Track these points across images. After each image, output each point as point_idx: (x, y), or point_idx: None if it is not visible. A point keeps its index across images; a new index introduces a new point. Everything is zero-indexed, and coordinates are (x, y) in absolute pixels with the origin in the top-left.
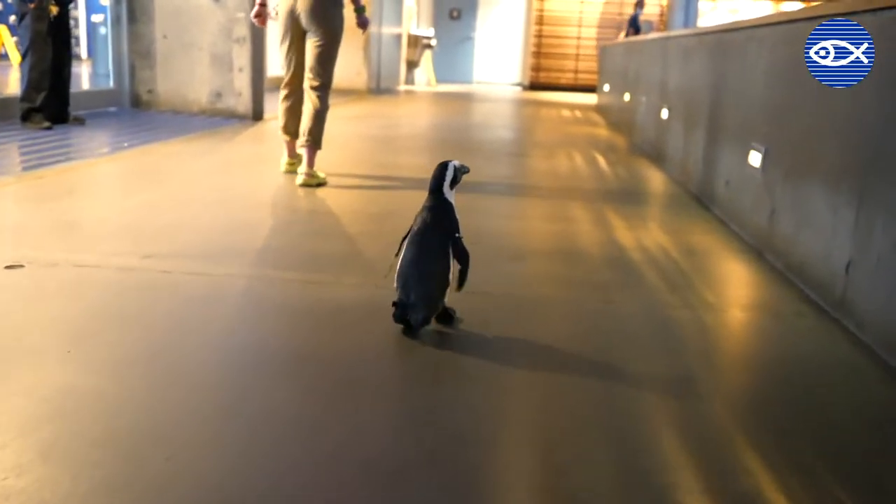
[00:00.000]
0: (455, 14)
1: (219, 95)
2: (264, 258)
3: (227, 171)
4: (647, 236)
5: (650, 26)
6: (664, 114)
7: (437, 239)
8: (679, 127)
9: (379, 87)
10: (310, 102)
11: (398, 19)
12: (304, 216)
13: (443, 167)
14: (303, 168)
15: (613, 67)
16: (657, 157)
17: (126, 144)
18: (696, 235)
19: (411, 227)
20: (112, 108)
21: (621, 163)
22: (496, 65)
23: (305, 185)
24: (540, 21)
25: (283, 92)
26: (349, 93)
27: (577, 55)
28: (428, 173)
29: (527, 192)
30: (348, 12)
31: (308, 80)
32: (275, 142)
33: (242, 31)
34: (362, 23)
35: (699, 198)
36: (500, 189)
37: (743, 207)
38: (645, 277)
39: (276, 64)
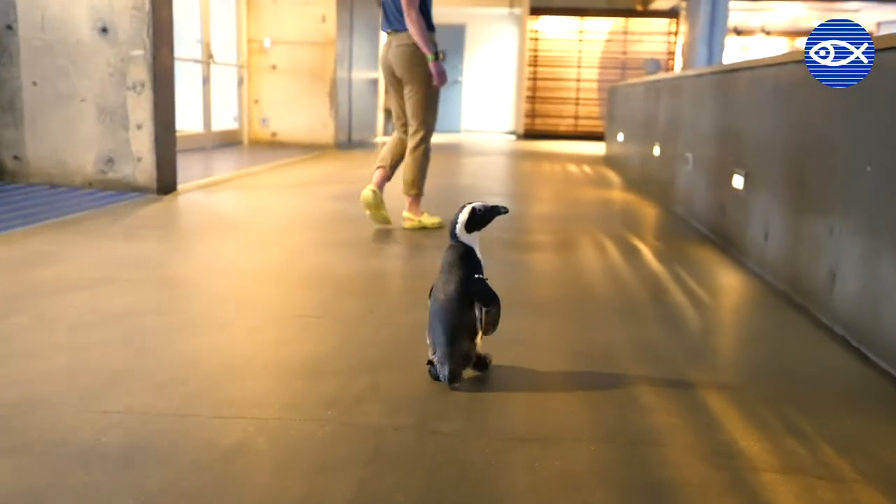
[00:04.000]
0: (440, 56)
1: (110, 162)
2: None
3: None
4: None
5: (657, 65)
6: (738, 182)
7: (454, 288)
8: (774, 205)
9: (350, 141)
10: (409, 153)
11: (373, 63)
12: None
13: (460, 210)
14: (405, 213)
15: (630, 112)
16: (726, 243)
17: None
18: None
19: (437, 277)
20: None
21: (674, 255)
22: (487, 111)
23: (408, 227)
24: (534, 62)
25: (394, 133)
26: (312, 148)
27: (577, 99)
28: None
29: (541, 336)
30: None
31: (409, 128)
32: (192, 232)
33: (140, 74)
34: (438, 74)
35: (849, 339)
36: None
37: None
38: None
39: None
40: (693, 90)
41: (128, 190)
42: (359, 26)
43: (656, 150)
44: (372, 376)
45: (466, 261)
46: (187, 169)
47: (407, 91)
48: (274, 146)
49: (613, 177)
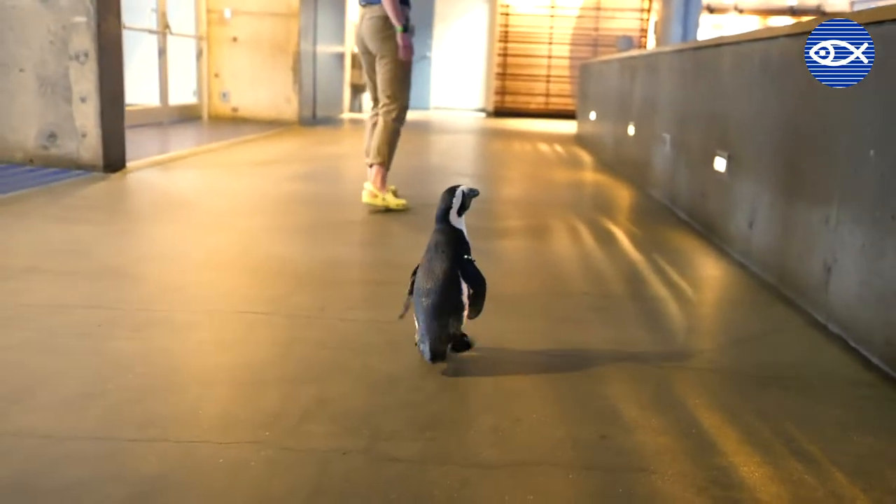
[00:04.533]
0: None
1: (52, 137)
2: None
3: None
4: None
5: (629, 42)
6: (720, 164)
7: (443, 268)
8: (762, 191)
9: (315, 117)
10: (380, 122)
11: (340, 37)
12: None
13: (450, 193)
14: (369, 185)
15: (604, 90)
16: (707, 229)
17: None
18: None
19: (422, 258)
20: None
21: (652, 243)
22: (456, 88)
23: (370, 203)
24: (505, 38)
25: (370, 111)
26: (275, 124)
27: (548, 77)
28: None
29: (510, 337)
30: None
31: (380, 102)
32: (137, 214)
33: (84, 42)
34: (404, 47)
35: (847, 339)
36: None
37: None
38: None
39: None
40: (672, 67)
41: (72, 167)
42: None
43: (631, 130)
44: (319, 386)
45: (457, 242)
46: (140, 145)
47: (378, 64)
48: (235, 122)
49: (586, 157)
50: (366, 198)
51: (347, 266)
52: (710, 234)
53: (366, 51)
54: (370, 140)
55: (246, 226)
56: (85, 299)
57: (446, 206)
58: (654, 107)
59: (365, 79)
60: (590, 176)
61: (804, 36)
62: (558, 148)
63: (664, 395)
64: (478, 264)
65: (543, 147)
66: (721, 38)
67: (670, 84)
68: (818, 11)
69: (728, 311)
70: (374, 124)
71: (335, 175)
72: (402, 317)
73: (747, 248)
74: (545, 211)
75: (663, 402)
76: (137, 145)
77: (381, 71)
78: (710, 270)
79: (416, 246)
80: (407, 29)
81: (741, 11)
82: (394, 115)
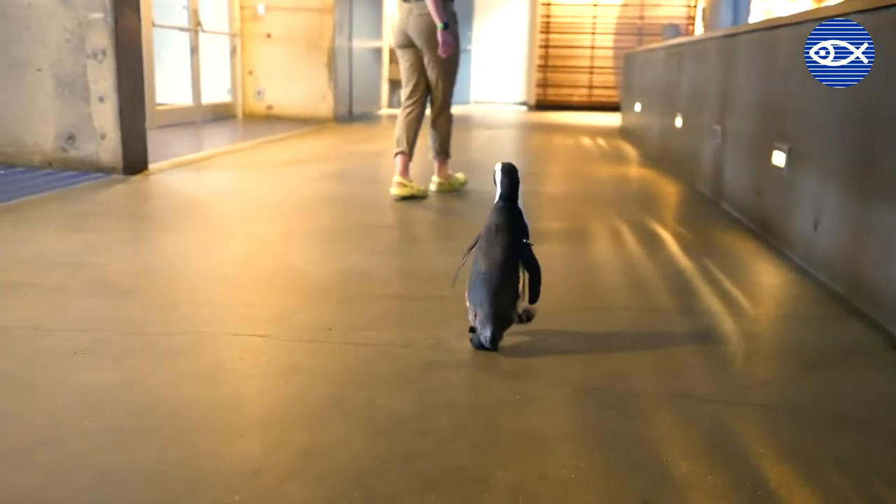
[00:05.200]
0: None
1: (71, 139)
2: None
3: None
4: None
5: (676, 31)
6: (779, 158)
7: (502, 250)
8: (828, 187)
9: (352, 114)
10: (438, 121)
11: (377, 31)
12: None
13: (515, 172)
14: (435, 177)
15: (649, 80)
16: (764, 230)
17: None
18: None
19: (478, 236)
20: None
21: (703, 246)
22: (497, 81)
23: (439, 190)
24: (546, 29)
25: (404, 104)
26: (310, 122)
27: (592, 68)
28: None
29: (539, 364)
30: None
31: (432, 99)
32: (150, 220)
33: (101, 40)
34: (444, 44)
35: None
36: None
37: None
38: None
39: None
40: (723, 53)
41: (92, 170)
42: None
43: (678, 122)
44: (311, 433)
45: (518, 225)
46: (169, 145)
47: (426, 60)
48: (270, 120)
49: (630, 150)
50: (395, 190)
51: (366, 277)
52: (767, 234)
53: (409, 44)
54: (403, 131)
55: (263, 231)
56: (68, 320)
57: (515, 187)
58: (703, 97)
59: (403, 70)
60: (634, 171)
61: (877, 12)
62: (601, 142)
63: (721, 440)
64: None
65: (586, 141)
66: (778, 18)
67: (721, 71)
68: None
69: (793, 329)
70: (408, 115)
71: (367, 174)
72: (453, 286)
73: (811, 251)
74: (586, 210)
75: (720, 451)
76: (165, 145)
77: (429, 69)
78: (770, 278)
79: (444, 252)
80: (448, 26)
81: None
82: (446, 111)
